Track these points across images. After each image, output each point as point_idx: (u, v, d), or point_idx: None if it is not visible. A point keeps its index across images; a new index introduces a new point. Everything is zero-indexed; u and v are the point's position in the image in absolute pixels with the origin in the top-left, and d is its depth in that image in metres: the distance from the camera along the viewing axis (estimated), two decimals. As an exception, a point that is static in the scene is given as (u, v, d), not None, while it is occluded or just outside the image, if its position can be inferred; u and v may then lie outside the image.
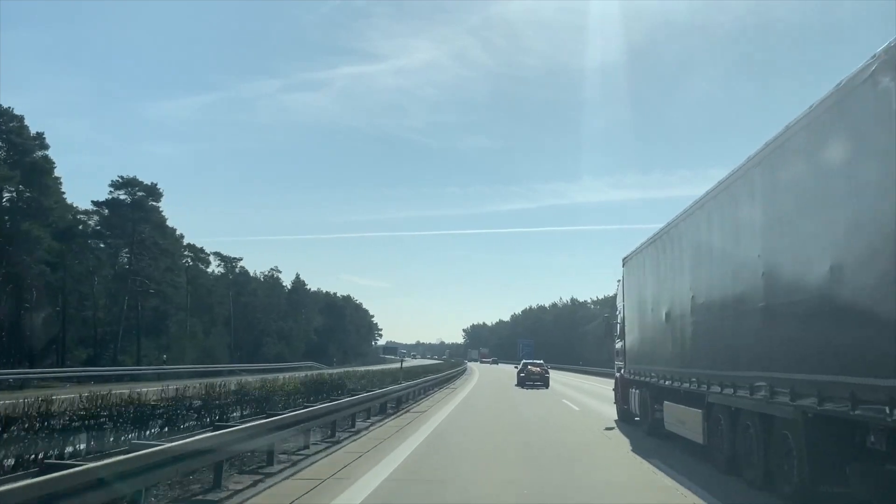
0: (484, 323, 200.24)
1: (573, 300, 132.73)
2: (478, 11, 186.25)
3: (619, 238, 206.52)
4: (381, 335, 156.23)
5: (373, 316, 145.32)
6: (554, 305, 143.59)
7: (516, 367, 47.20)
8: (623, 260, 18.21)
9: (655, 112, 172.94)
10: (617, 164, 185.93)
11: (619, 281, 19.15)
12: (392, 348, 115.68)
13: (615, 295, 20.37)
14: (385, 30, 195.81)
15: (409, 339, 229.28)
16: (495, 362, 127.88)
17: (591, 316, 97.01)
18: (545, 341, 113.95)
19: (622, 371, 18.26)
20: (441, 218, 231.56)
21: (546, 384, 38.46)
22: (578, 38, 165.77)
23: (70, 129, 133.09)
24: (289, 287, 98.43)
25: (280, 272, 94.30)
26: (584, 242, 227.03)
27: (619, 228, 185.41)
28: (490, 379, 51.23)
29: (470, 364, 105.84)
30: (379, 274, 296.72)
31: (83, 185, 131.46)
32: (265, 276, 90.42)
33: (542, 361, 43.75)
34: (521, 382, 39.04)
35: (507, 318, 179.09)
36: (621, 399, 18.24)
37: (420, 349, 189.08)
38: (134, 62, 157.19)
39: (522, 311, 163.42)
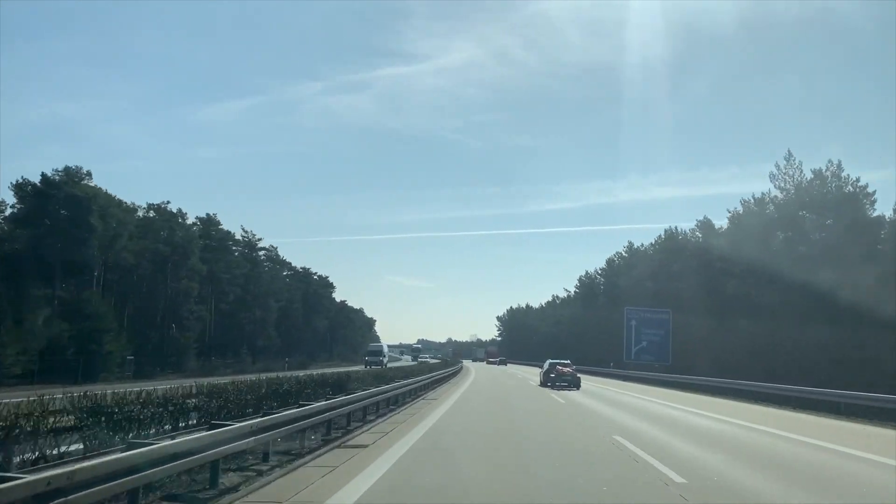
0: (528, 305, 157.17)
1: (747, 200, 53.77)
2: (518, 9, 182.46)
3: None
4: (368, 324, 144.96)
5: (342, 300, 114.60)
6: (672, 236, 68.33)
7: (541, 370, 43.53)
8: None
9: (701, 107, 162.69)
10: (661, 162, 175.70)
11: None
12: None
13: None
14: (425, 30, 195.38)
15: (441, 338, 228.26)
16: (503, 363, 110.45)
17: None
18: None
19: None
20: (484, 218, 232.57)
21: (577, 385, 35.74)
22: (619, 34, 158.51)
23: (120, 134, 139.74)
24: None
25: None
26: (629, 241, 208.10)
27: (663, 227, 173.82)
28: (489, 402, 25.72)
29: (470, 364, 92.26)
30: (422, 274, 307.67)
31: (133, 190, 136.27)
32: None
33: (568, 361, 40.40)
34: (553, 383, 36.76)
35: (564, 292, 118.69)
36: None
37: (447, 348, 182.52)
38: (180, 68, 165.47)
39: (611, 262, 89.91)
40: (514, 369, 78.91)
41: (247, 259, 76.01)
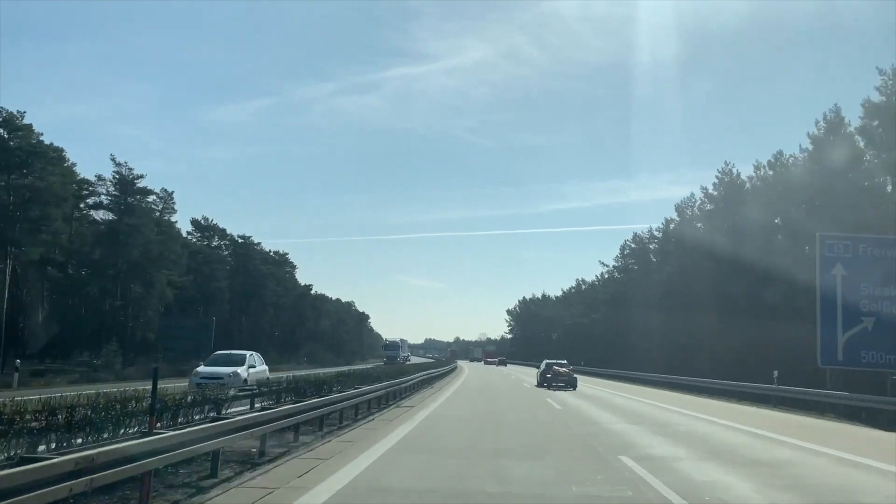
0: (544, 295, 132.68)
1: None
2: (529, 8, 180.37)
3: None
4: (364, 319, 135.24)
5: (307, 285, 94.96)
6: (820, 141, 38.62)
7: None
8: None
9: (713, 106, 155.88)
10: (674, 161, 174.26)
11: None
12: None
13: None
14: (436, 30, 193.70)
15: (448, 337, 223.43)
16: (502, 363, 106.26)
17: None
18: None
19: None
20: (495, 218, 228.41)
21: (574, 386, 36.27)
22: (630, 32, 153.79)
23: (132, 135, 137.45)
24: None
25: None
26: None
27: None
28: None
29: (465, 365, 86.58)
30: (432, 274, 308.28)
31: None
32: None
33: (565, 361, 40.54)
34: (549, 383, 36.95)
35: (601, 266, 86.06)
36: None
37: (448, 347, 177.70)
38: (191, 70, 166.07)
39: (682, 210, 58.15)
40: (525, 376, 52.62)
41: (116, 203, 49.51)
